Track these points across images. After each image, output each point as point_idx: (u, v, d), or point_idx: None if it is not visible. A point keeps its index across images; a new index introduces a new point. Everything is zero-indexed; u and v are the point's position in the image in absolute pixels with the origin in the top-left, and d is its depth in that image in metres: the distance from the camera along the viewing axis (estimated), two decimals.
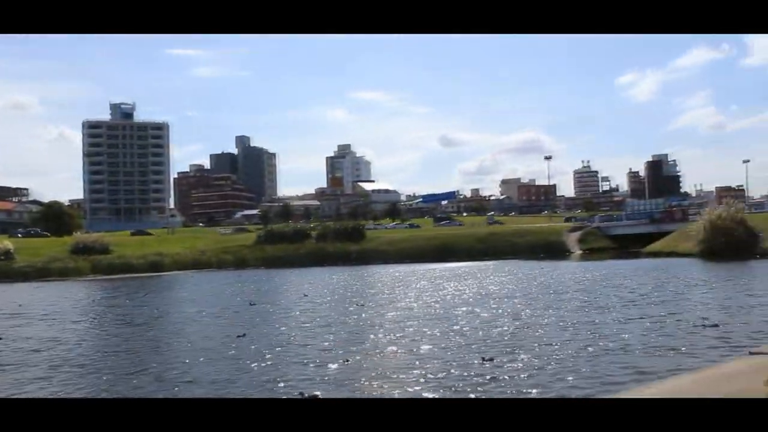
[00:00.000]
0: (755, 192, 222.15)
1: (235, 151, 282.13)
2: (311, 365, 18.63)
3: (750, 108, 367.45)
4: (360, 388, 15.63)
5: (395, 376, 16.79)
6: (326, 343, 22.36)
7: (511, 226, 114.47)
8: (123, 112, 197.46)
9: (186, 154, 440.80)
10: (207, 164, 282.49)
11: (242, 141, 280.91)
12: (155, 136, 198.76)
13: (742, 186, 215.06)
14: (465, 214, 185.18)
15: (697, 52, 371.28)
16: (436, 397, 14.47)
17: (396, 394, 14.91)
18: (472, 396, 14.43)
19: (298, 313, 32.56)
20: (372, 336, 23.74)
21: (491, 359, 18.05)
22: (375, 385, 15.88)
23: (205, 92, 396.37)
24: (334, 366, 18.27)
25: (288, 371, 17.94)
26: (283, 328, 26.78)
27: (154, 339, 25.82)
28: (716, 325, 22.39)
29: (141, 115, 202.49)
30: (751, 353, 14.41)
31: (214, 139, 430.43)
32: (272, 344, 22.55)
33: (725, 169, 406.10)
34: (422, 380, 16.13)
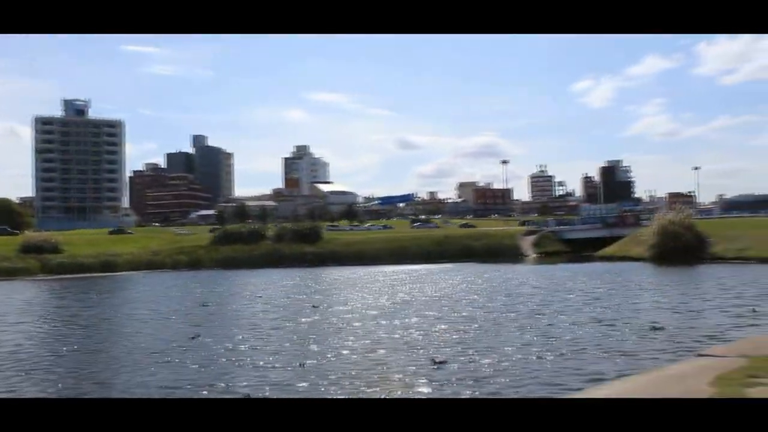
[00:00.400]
0: (704, 198, 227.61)
1: (191, 150, 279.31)
2: (264, 368, 18.45)
3: (701, 116, 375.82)
4: (315, 392, 15.49)
5: (348, 379, 16.70)
6: (279, 346, 22.21)
7: (470, 229, 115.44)
8: (76, 109, 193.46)
9: (141, 153, 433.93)
10: (162, 163, 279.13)
11: (198, 140, 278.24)
12: (109, 133, 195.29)
13: (692, 192, 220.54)
14: (423, 216, 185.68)
15: (651, 60, 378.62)
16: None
17: (361, 395, 14.83)
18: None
19: (251, 314, 32.27)
20: (326, 339, 23.61)
21: (443, 362, 18.06)
22: (332, 389, 15.77)
23: (160, 90, 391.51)
24: (288, 369, 18.11)
25: (239, 374, 17.73)
26: (236, 330, 26.51)
27: (100, 341, 25.32)
28: (662, 328, 22.74)
29: (95, 113, 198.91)
30: (698, 355, 14.58)
31: (170, 137, 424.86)
32: (224, 347, 22.28)
33: (677, 175, 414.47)
34: (374, 383, 16.05)
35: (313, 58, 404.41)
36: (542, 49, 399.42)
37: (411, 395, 14.97)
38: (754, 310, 26.69)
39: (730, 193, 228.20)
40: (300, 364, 18.50)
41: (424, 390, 15.39)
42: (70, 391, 16.65)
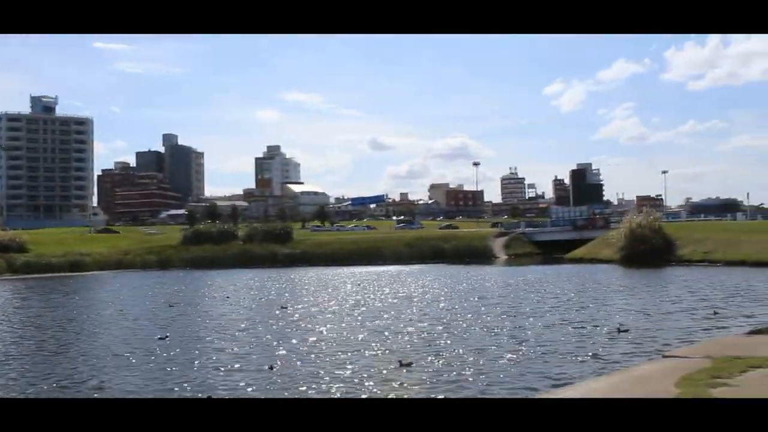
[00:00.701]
0: (672, 202, 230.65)
1: (161, 149, 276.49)
2: (232, 370, 18.25)
3: (670, 121, 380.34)
4: (285, 394, 15.41)
5: (316, 381, 16.65)
6: (248, 348, 21.99)
7: (443, 230, 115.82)
8: (44, 106, 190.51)
9: (110, 152, 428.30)
10: (132, 162, 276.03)
11: (169, 139, 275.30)
12: (78, 131, 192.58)
13: (660, 196, 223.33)
14: (394, 217, 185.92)
15: (621, 65, 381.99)
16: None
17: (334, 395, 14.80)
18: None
19: (219, 315, 32.00)
20: (295, 340, 23.43)
21: (409, 364, 18.09)
22: (301, 391, 15.70)
23: (131, 88, 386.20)
24: (256, 371, 17.93)
25: (207, 377, 17.51)
26: (204, 332, 26.22)
27: (64, 342, 24.79)
28: (627, 330, 22.91)
29: (63, 110, 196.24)
30: (664, 356, 14.81)
31: (140, 136, 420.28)
32: (191, 348, 22.03)
33: (645, 178, 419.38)
34: (341, 386, 16.04)
35: (285, 57, 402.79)
36: (515, 51, 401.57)
37: (378, 397, 14.97)
38: (715, 312, 27.07)
39: (697, 197, 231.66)
40: (270, 367, 18.27)
41: (390, 392, 15.38)
42: (21, 392, 16.34)
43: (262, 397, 14.59)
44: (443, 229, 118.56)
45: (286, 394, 15.49)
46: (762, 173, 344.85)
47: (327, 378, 16.95)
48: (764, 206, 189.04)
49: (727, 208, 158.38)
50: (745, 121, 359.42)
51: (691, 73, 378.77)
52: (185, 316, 32.33)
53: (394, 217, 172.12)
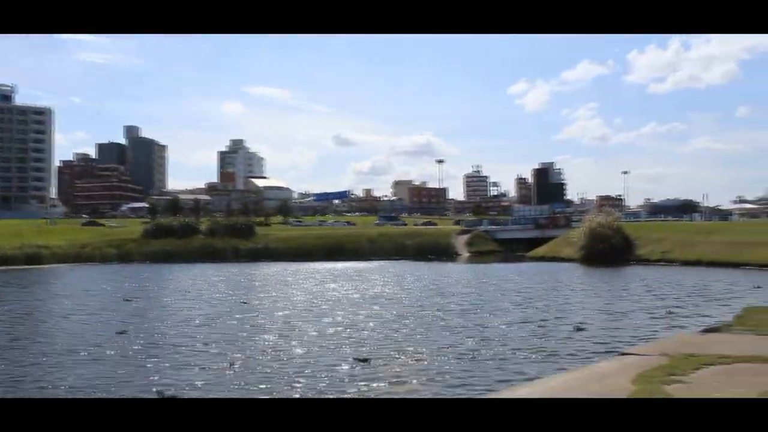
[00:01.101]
0: (632, 202, 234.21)
1: (123, 141, 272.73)
2: (190, 367, 18.01)
3: (631, 122, 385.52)
4: (243, 393, 15.32)
5: (275, 377, 16.60)
6: (206, 344, 21.72)
7: (404, 227, 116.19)
8: (2, 95, 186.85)
9: (71, 143, 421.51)
10: (93, 154, 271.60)
11: (131, 131, 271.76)
12: (37, 121, 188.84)
13: (621, 196, 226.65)
14: (358, 214, 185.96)
15: (585, 66, 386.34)
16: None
17: (286, 395, 14.76)
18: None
19: (177, 310, 31.64)
20: (255, 336, 23.26)
21: (365, 360, 18.12)
22: (260, 388, 15.62)
23: (93, 78, 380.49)
24: (215, 368, 17.75)
25: (163, 374, 17.25)
26: (160, 327, 25.81)
27: (14, 337, 24.24)
28: (583, 329, 23.15)
29: (22, 99, 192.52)
30: (622, 354, 15.04)
31: (102, 128, 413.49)
32: (145, 344, 21.66)
33: (607, 179, 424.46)
34: (299, 382, 16.02)
35: (250, 50, 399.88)
36: (481, 50, 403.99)
37: (334, 393, 14.96)
38: (669, 312, 27.53)
39: (657, 198, 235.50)
40: (230, 365, 18.03)
41: (343, 388, 15.41)
42: None
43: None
44: (423, 226, 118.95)
45: (246, 392, 15.39)
46: (720, 175, 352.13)
47: (284, 375, 16.84)
48: (720, 208, 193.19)
49: (685, 209, 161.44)
50: (704, 123, 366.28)
51: (653, 76, 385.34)
52: (142, 310, 31.78)
53: (371, 215, 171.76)
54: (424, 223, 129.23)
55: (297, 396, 14.82)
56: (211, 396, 14.82)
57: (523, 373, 16.40)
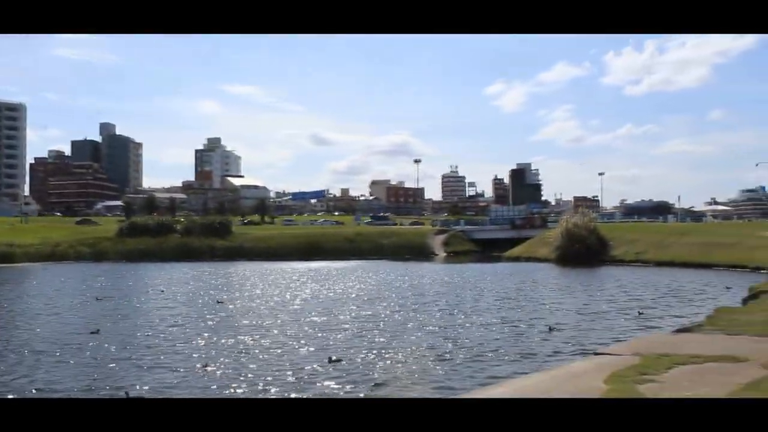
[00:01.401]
0: (608, 203, 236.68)
1: (98, 138, 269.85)
2: (162, 368, 17.81)
3: (607, 124, 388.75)
4: (216, 393, 15.21)
5: (243, 381, 16.50)
6: (179, 344, 21.51)
7: (382, 227, 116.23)
8: None
9: (44, 140, 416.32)
10: (67, 151, 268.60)
11: (106, 128, 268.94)
12: (9, 117, 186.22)
13: (597, 197, 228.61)
14: (338, 213, 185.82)
15: (562, 67, 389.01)
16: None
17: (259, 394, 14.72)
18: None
19: (150, 310, 31.38)
20: (229, 336, 23.03)
21: (338, 360, 18.12)
22: (233, 388, 15.51)
23: (67, 74, 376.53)
24: (188, 369, 17.56)
25: (134, 375, 17.04)
26: (132, 327, 25.54)
27: None
28: (556, 330, 23.24)
29: None
30: (596, 354, 15.20)
31: (76, 124, 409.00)
32: (117, 345, 21.35)
33: (583, 180, 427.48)
34: (271, 381, 15.99)
35: (228, 49, 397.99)
36: (458, 51, 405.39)
37: (305, 393, 14.97)
38: (640, 313, 27.78)
39: (631, 199, 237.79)
40: (203, 366, 17.75)
41: (314, 387, 15.41)
42: None
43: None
44: (411, 226, 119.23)
45: (218, 392, 15.31)
46: (693, 177, 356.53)
47: (257, 375, 16.73)
48: (694, 209, 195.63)
49: (659, 210, 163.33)
50: (678, 126, 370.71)
51: (629, 78, 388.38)
52: (115, 310, 31.39)
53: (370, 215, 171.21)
54: (412, 223, 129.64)
55: (275, 396, 14.73)
56: (185, 395, 14.74)
57: (498, 373, 16.43)
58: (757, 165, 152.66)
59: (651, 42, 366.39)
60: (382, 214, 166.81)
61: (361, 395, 14.65)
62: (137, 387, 15.57)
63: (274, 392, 15.08)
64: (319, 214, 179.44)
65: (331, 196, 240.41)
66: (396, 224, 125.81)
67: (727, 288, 37.40)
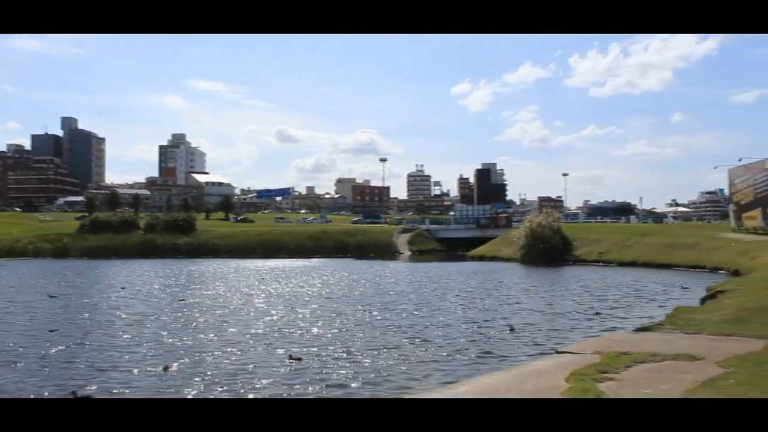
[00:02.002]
0: (572, 203, 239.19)
1: (60, 133, 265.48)
2: (121, 370, 17.45)
3: (571, 125, 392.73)
4: (179, 394, 15.05)
5: (210, 377, 16.41)
6: (137, 344, 21.14)
7: (349, 225, 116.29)
8: None
9: (2, 132, 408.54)
10: (27, 145, 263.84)
11: (68, 123, 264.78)
12: None
13: (561, 197, 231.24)
14: (304, 210, 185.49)
15: (527, 68, 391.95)
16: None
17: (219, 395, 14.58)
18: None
19: (111, 308, 30.86)
20: (190, 335, 22.78)
21: (298, 359, 18.03)
22: (195, 389, 15.39)
23: (27, 66, 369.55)
24: (148, 370, 17.21)
25: (90, 377, 16.64)
26: (91, 326, 25.03)
27: None
28: (513, 329, 23.35)
29: None
30: (557, 352, 15.32)
31: (36, 118, 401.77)
32: (74, 344, 20.91)
33: (547, 180, 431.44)
34: (232, 382, 15.87)
35: (192, 43, 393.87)
36: (425, 50, 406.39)
37: (270, 391, 14.88)
38: (597, 313, 28.01)
39: (595, 200, 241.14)
40: (164, 368, 17.20)
41: (273, 386, 15.32)
42: None
43: (261, 398, 14.15)
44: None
45: (179, 393, 15.15)
46: (654, 179, 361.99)
47: (217, 374, 16.59)
48: (655, 210, 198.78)
49: (622, 211, 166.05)
50: (641, 128, 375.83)
51: (593, 80, 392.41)
52: (68, 307, 30.83)
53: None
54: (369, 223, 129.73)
55: (275, 397, 14.49)
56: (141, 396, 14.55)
57: (459, 373, 16.47)
58: (715, 168, 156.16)
59: (615, 45, 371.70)
60: (376, 213, 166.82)
61: (325, 394, 14.61)
62: (95, 388, 15.24)
63: (233, 392, 14.91)
64: (303, 211, 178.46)
65: (297, 194, 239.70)
66: (387, 222, 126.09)
67: (684, 288, 37.97)
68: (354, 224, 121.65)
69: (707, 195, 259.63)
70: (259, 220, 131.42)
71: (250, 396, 14.51)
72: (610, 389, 9.79)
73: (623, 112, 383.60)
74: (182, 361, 18.34)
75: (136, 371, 17.06)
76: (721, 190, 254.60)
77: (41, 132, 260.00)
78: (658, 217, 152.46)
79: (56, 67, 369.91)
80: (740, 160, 72.18)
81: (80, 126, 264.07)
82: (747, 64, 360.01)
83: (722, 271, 48.11)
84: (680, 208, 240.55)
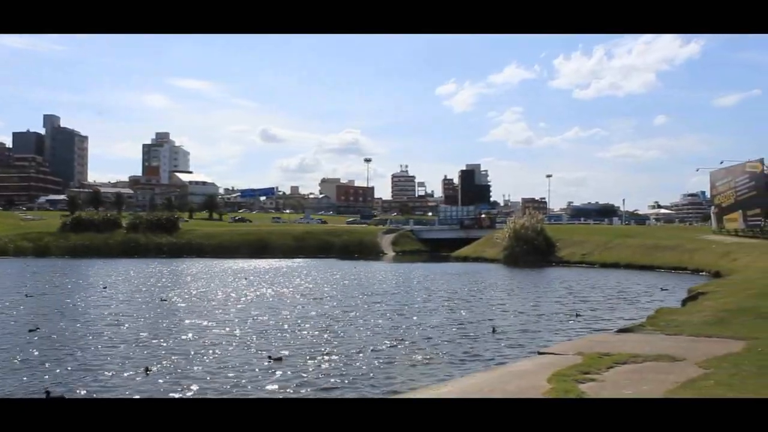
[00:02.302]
0: (555, 205, 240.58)
1: (42, 130, 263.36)
2: (100, 371, 17.27)
3: (555, 127, 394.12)
4: (158, 394, 14.92)
5: (191, 378, 16.34)
6: (119, 346, 20.88)
7: (329, 225, 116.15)
8: None
9: None
10: (9, 143, 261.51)
11: (51, 120, 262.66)
12: None
13: (544, 198, 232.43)
14: (288, 211, 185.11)
15: (512, 70, 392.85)
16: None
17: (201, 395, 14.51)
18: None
19: (87, 307, 30.65)
20: (171, 335, 22.64)
21: (278, 359, 17.96)
22: (176, 391, 15.25)
23: (8, 63, 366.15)
24: (129, 371, 17.03)
25: (69, 379, 16.49)
26: (72, 326, 24.74)
27: None
28: (500, 331, 23.34)
29: None
30: (539, 353, 15.39)
31: (18, 116, 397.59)
32: (53, 345, 20.67)
33: (531, 181, 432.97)
34: (214, 383, 15.83)
35: (176, 42, 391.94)
36: (410, 50, 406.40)
37: (250, 390, 14.83)
38: (577, 315, 27.99)
39: (578, 201, 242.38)
40: (145, 370, 16.84)
41: (252, 386, 15.31)
42: None
43: (261, 398, 14.05)
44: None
45: (159, 392, 15.05)
46: (637, 180, 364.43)
47: (199, 374, 16.50)
48: (638, 212, 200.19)
49: (605, 212, 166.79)
50: (624, 130, 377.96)
51: (577, 82, 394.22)
52: (49, 308, 30.40)
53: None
54: (349, 222, 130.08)
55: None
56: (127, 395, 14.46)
57: (442, 374, 16.47)
58: (697, 170, 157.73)
59: (600, 47, 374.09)
60: (371, 213, 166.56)
61: (304, 395, 14.58)
62: (78, 391, 15.08)
63: (213, 393, 14.83)
64: (288, 211, 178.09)
65: (281, 193, 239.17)
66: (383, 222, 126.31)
67: (663, 289, 38.17)
68: (349, 224, 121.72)
69: (689, 197, 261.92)
70: (257, 220, 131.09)
71: (230, 396, 14.44)
72: (591, 390, 9.85)
73: (607, 114, 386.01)
74: (163, 363, 18.13)
75: (113, 373, 16.82)
76: (703, 193, 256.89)
77: (23, 130, 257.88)
78: (640, 219, 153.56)
79: (39, 63, 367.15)
80: (722, 162, 72.99)
81: (62, 124, 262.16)
82: (729, 68, 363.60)
83: (703, 273, 48.51)
84: (663, 210, 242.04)
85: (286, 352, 19.13)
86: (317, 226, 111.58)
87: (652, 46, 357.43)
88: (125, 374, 16.73)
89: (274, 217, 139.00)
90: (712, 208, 76.54)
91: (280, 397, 14.32)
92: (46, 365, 17.68)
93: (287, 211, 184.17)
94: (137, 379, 16.25)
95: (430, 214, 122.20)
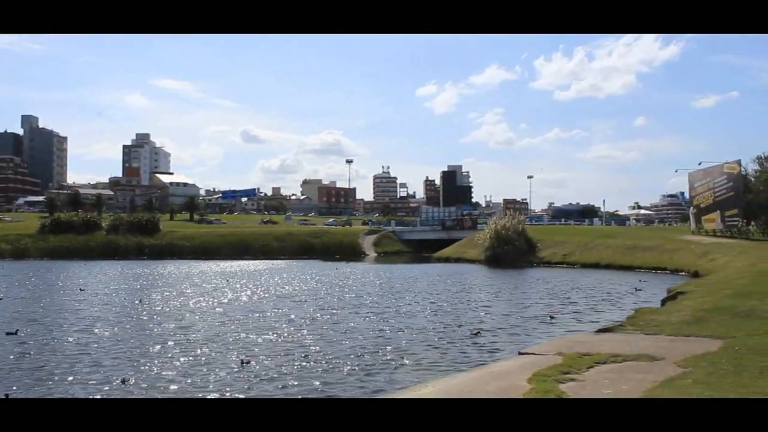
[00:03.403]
0: (536, 206, 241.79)
1: (20, 131, 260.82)
2: (81, 371, 17.09)
3: (536, 128, 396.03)
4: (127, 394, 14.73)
5: (159, 385, 16.16)
6: (95, 346, 20.75)
7: (311, 226, 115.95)
8: None
9: None
10: None
11: (29, 121, 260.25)
12: None
13: (526, 199, 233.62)
14: (272, 212, 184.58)
15: (493, 71, 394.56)
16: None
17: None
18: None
19: (63, 310, 30.22)
20: (146, 338, 22.36)
21: (247, 362, 17.75)
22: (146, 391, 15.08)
23: None
24: (106, 377, 16.63)
25: (53, 382, 16.29)
26: (48, 330, 24.22)
27: None
28: (478, 333, 23.19)
29: None
30: (520, 353, 15.45)
31: None
32: (29, 351, 20.24)
33: (512, 182, 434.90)
34: (185, 384, 15.67)
35: (156, 42, 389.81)
36: (391, 51, 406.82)
37: (226, 392, 14.75)
38: (551, 317, 27.93)
39: (559, 202, 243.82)
40: (122, 381, 15.99)
41: (221, 387, 15.26)
42: None
43: (262, 398, 13.92)
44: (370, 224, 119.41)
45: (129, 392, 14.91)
46: (618, 181, 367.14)
47: (174, 378, 16.37)
48: (618, 213, 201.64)
49: (586, 213, 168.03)
50: (604, 131, 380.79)
51: (558, 83, 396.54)
52: (28, 312, 29.85)
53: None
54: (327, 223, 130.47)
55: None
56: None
57: (423, 374, 16.37)
58: (676, 171, 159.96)
59: (580, 49, 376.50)
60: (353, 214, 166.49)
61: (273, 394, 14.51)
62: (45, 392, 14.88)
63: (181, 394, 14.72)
64: (231, 214, 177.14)
65: (262, 195, 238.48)
66: (377, 224, 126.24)
67: (638, 290, 38.30)
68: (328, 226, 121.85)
69: (669, 198, 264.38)
70: (231, 221, 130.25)
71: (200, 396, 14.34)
72: (571, 390, 9.91)
73: (587, 115, 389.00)
74: (135, 362, 18.01)
75: (81, 377, 16.51)
76: (682, 194, 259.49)
77: (0, 130, 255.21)
78: (621, 220, 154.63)
79: (17, 63, 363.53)
80: (700, 164, 73.77)
81: (41, 124, 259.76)
82: (708, 70, 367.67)
83: (682, 273, 48.92)
84: (642, 211, 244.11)
85: (261, 355, 18.93)
86: (299, 227, 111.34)
87: (633, 48, 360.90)
88: (96, 379, 16.36)
89: (265, 219, 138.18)
90: (691, 208, 77.18)
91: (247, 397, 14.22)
92: (14, 371, 17.25)
93: (272, 213, 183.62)
94: (113, 384, 15.83)
95: (419, 219, 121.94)
